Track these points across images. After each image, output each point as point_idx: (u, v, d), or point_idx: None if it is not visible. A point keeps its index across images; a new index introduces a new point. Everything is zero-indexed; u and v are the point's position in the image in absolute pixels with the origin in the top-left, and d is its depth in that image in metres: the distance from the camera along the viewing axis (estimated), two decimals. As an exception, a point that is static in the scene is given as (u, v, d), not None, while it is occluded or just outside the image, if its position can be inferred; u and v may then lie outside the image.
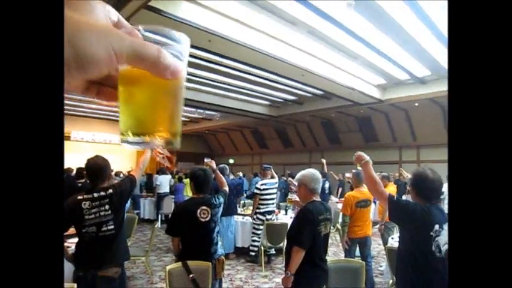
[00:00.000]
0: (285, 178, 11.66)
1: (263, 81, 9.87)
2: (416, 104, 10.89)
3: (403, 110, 12.00)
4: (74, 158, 17.16)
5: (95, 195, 2.55)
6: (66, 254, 2.66)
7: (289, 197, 2.80)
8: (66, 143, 17.08)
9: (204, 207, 3.01)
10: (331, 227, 7.33)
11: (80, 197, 2.54)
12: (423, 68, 8.37)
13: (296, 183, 2.88)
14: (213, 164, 3.63)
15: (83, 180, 6.58)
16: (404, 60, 7.86)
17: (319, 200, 2.82)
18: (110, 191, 2.59)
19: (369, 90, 9.94)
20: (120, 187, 2.68)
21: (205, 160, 3.86)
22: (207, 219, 3.01)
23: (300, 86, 10.09)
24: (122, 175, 9.39)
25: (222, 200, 3.23)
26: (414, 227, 2.15)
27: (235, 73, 9.12)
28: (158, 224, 9.44)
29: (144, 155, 3.03)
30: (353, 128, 14.33)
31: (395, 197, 2.29)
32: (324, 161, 9.38)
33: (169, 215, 3.47)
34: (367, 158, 2.45)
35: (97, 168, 2.63)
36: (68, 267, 2.64)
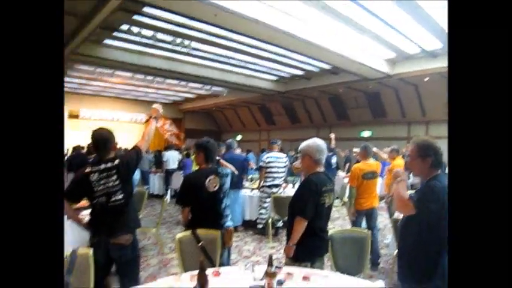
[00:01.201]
0: (292, 153, 11.72)
1: (270, 56, 9.75)
2: (427, 79, 10.68)
3: (413, 85, 11.80)
4: (83, 135, 17.34)
5: (102, 166, 2.61)
6: (82, 223, 2.77)
7: (294, 163, 2.82)
8: (75, 121, 17.25)
9: (212, 177, 3.08)
10: (339, 201, 7.46)
11: (87, 170, 2.60)
12: (434, 41, 8.15)
13: (300, 153, 2.86)
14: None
15: (94, 155, 6.73)
16: (414, 33, 7.67)
17: (323, 171, 2.82)
18: (117, 161, 2.65)
19: (377, 65, 9.77)
20: (126, 158, 2.72)
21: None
22: (216, 189, 3.09)
23: (307, 60, 9.95)
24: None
25: (229, 171, 3.29)
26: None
27: (242, 48, 9.01)
28: (167, 198, 9.63)
29: (149, 126, 3.06)
30: (361, 103, 14.17)
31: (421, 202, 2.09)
32: (332, 135, 9.36)
33: (178, 188, 3.54)
34: (405, 176, 2.33)
35: (102, 139, 2.68)
36: (85, 234, 2.75)
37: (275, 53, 9.39)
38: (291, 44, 7.78)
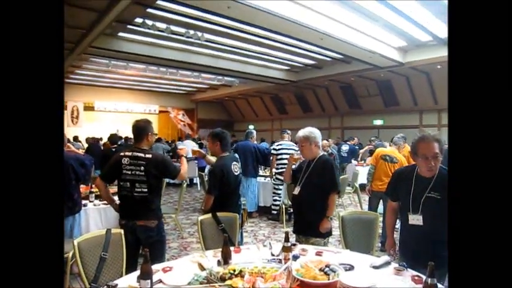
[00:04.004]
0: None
1: (282, 46, 9.85)
2: (439, 67, 10.66)
3: (425, 73, 11.78)
4: (98, 127, 17.68)
5: (134, 154, 2.86)
6: (114, 204, 3.07)
7: (293, 155, 2.99)
8: (90, 113, 17.63)
9: (235, 163, 3.40)
10: (351, 188, 7.62)
11: (122, 153, 2.88)
12: (446, 28, 8.15)
13: (304, 141, 3.07)
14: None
15: (116, 146, 7.12)
16: (426, 21, 7.69)
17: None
18: (149, 156, 2.86)
19: (389, 53, 9.79)
20: (159, 161, 2.90)
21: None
22: (238, 173, 3.42)
23: (318, 50, 10.00)
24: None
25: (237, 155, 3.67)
26: None
27: (254, 38, 9.13)
28: (184, 186, 9.91)
29: (183, 165, 3.23)
30: (373, 92, 14.18)
31: None
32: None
33: (198, 178, 3.83)
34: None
35: (135, 129, 2.94)
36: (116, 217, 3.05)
37: (287, 44, 9.49)
38: (303, 34, 7.88)
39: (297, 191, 3.09)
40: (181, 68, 12.60)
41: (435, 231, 2.32)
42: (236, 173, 3.42)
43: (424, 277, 1.81)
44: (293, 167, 3.29)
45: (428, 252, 2.03)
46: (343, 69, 12.12)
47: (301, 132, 3.09)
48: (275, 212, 6.49)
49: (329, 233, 3.04)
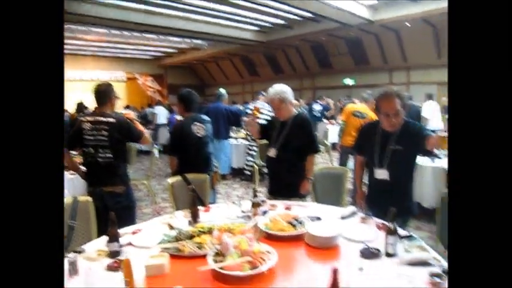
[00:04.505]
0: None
1: (250, 5, 9.53)
2: (408, 24, 10.68)
3: (394, 31, 11.79)
4: (64, 98, 16.94)
5: (96, 118, 2.74)
6: (80, 172, 2.99)
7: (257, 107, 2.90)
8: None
9: (197, 123, 3.29)
10: (323, 147, 7.75)
11: (82, 119, 2.76)
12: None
13: (280, 103, 2.91)
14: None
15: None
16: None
17: None
18: (111, 120, 2.74)
19: (358, 11, 9.70)
20: (123, 125, 2.79)
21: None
22: (202, 134, 3.32)
23: (288, 8, 9.78)
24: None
25: (208, 118, 3.52)
26: None
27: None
28: (156, 153, 9.79)
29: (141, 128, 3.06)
30: (343, 51, 14.14)
31: None
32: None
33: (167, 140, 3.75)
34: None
35: (96, 93, 2.81)
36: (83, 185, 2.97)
37: (255, 2, 9.19)
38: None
39: (273, 153, 2.96)
40: (147, 32, 12.05)
41: (399, 183, 2.42)
42: (198, 134, 3.32)
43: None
44: (260, 121, 3.24)
45: (392, 203, 2.11)
46: (313, 29, 11.95)
47: (275, 94, 2.90)
48: (248, 173, 6.55)
49: (307, 193, 3.05)
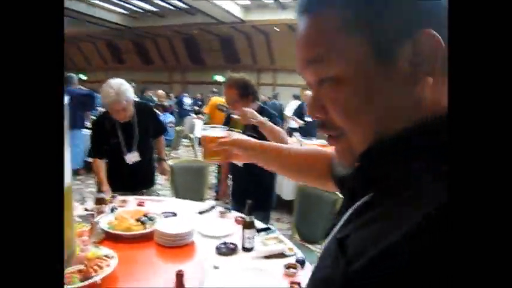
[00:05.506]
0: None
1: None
2: (277, 29, 11.33)
3: (264, 34, 12.40)
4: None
5: None
6: None
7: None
8: None
9: None
10: (188, 141, 7.59)
11: None
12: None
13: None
14: None
15: None
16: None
17: None
18: None
19: (232, 9, 9.86)
20: None
21: None
22: None
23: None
24: None
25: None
26: None
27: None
28: None
29: None
30: (215, 47, 14.25)
31: None
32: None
33: None
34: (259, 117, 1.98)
35: None
36: None
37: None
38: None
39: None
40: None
41: (253, 173, 2.37)
42: None
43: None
44: None
45: (251, 195, 2.05)
46: (186, 20, 11.70)
47: (117, 95, 2.48)
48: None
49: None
